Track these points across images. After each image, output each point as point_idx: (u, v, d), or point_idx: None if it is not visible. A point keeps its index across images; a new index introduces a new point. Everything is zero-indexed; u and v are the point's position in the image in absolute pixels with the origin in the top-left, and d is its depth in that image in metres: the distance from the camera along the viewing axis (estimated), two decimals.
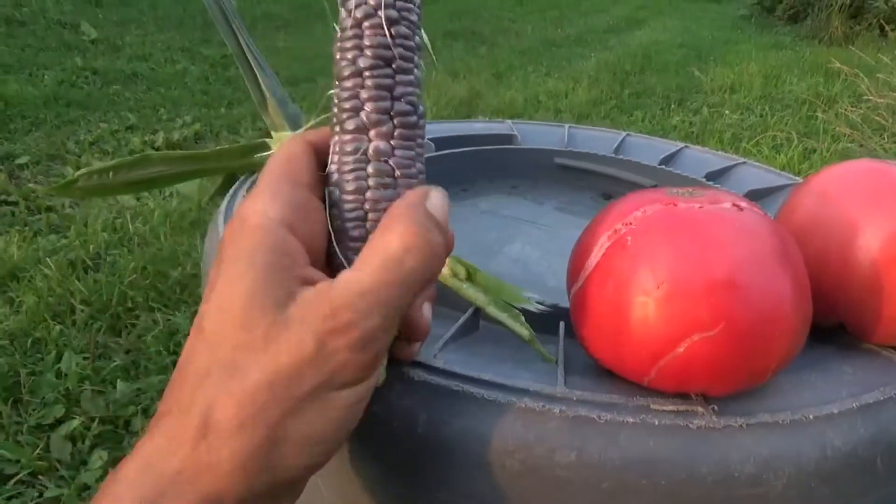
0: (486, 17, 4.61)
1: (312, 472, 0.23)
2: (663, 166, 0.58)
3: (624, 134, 0.65)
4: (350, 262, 0.26)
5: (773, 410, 0.28)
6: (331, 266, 0.27)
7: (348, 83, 0.26)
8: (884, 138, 2.18)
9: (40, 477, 0.85)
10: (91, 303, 1.18)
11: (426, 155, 0.57)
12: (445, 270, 0.34)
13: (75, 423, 0.92)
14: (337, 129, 0.27)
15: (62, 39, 2.92)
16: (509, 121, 0.67)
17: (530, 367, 0.31)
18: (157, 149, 1.93)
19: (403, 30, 0.26)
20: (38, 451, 0.88)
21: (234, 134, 2.13)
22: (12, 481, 0.84)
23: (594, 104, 2.71)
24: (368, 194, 0.27)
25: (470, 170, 0.59)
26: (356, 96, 0.26)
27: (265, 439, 0.21)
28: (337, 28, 0.27)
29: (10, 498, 0.82)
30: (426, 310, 0.28)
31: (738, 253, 0.26)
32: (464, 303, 0.35)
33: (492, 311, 0.33)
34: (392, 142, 0.27)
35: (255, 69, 0.51)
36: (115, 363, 1.05)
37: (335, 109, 0.27)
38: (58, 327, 1.12)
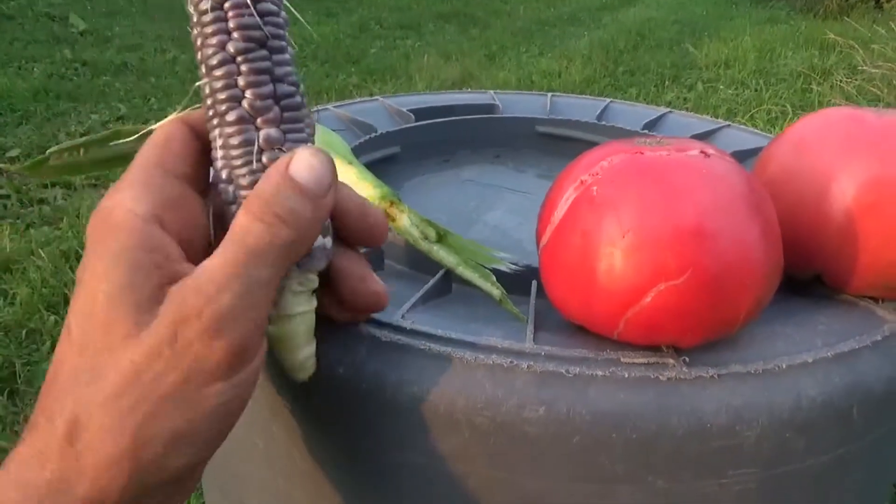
0: None
1: (196, 468, 0.23)
2: (646, 131, 0.57)
3: (607, 101, 0.65)
4: None
5: (746, 361, 0.28)
6: None
7: (220, 71, 0.24)
8: (879, 108, 2.16)
9: None
10: None
11: (407, 126, 0.56)
12: (415, 233, 0.34)
13: None
14: (215, 122, 0.25)
15: (51, 32, 2.90)
16: (491, 91, 0.66)
17: (501, 326, 0.30)
18: None
19: (269, 6, 0.24)
20: None
21: None
22: None
23: (588, 83, 2.68)
24: None
25: (452, 140, 0.58)
26: (233, 84, 0.24)
27: (131, 442, 0.21)
28: (191, 11, 0.24)
29: None
30: (371, 281, 0.27)
31: (704, 199, 0.26)
32: (434, 265, 0.34)
33: (462, 271, 0.33)
34: (282, 127, 0.25)
35: None
36: None
37: (208, 102, 0.25)
38: (52, 318, 1.11)
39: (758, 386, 0.28)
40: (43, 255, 1.27)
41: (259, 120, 0.25)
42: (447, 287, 0.35)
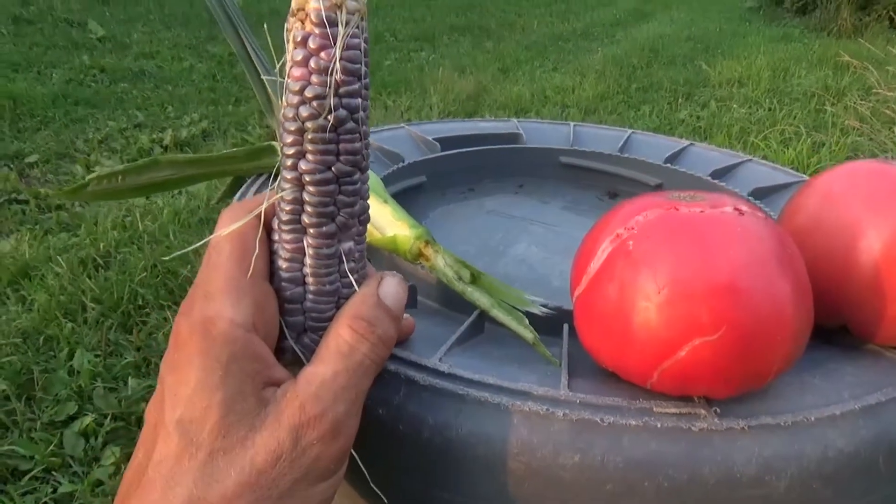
0: (492, 11, 4.59)
1: None
2: (668, 164, 0.58)
3: (629, 132, 0.65)
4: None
5: (775, 412, 0.29)
6: (282, 353, 0.28)
7: (327, 188, 0.26)
8: (893, 132, 2.16)
9: (54, 473, 0.86)
10: (102, 301, 1.19)
11: (434, 155, 0.57)
12: (450, 273, 0.35)
13: (88, 419, 0.93)
14: (294, 226, 0.26)
15: (69, 38, 2.94)
16: (514, 120, 0.67)
17: (534, 369, 0.31)
18: (166, 146, 1.94)
19: (367, 129, 0.27)
20: (51, 447, 0.88)
21: (241, 131, 2.13)
22: (27, 477, 0.85)
23: (601, 98, 2.69)
24: (344, 291, 0.28)
25: (476, 169, 0.59)
26: (332, 203, 0.26)
27: None
28: (308, 128, 0.25)
29: (24, 494, 0.83)
30: None
31: (738, 257, 0.27)
32: (469, 306, 0.35)
33: (496, 313, 0.33)
34: (357, 238, 0.28)
35: (259, 72, 0.52)
36: (126, 360, 1.06)
37: (309, 209, 0.26)
38: (69, 325, 1.12)
39: (787, 437, 0.28)
40: (61, 261, 1.29)
41: (344, 234, 0.27)
42: (480, 326, 0.35)
